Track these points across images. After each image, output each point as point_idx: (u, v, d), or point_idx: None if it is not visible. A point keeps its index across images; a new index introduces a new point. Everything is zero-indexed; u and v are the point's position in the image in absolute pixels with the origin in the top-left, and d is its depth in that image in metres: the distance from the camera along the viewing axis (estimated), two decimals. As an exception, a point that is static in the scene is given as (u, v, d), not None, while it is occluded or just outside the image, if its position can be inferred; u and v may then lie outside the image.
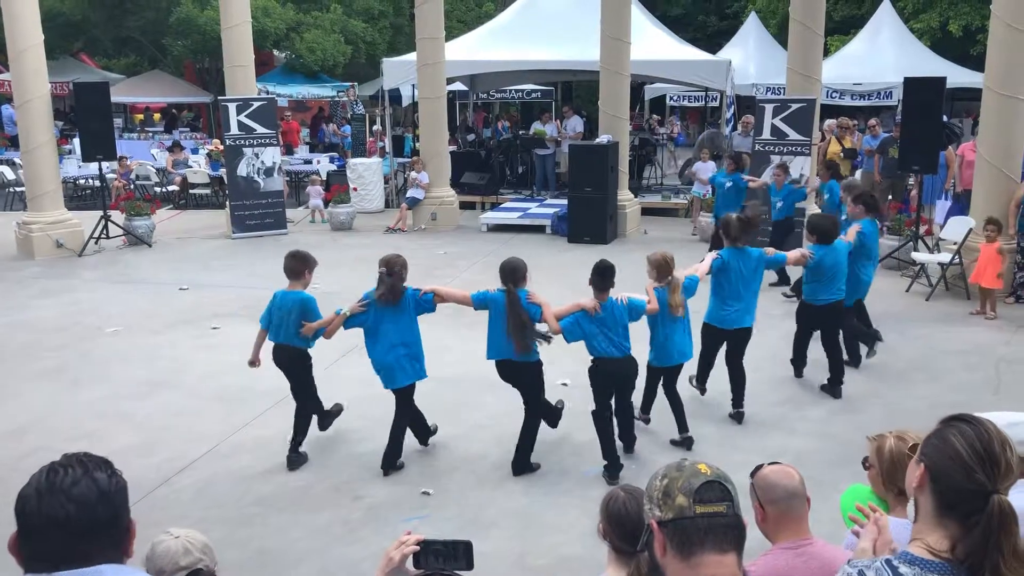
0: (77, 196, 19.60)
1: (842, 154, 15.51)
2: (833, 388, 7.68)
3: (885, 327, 9.48)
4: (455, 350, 8.88)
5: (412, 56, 16.82)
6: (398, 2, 31.15)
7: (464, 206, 16.98)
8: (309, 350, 6.51)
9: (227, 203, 15.55)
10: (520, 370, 6.16)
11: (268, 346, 6.60)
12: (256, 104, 15.37)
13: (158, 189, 19.80)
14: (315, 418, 6.72)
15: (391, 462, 6.29)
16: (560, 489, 6.03)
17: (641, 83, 25.31)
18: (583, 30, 15.99)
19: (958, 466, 1.91)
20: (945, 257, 10.94)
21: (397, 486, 6.08)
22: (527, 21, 18.57)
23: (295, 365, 6.47)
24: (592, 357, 6.18)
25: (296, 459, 6.44)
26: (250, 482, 6.17)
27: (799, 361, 8.03)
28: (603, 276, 6.09)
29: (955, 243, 10.85)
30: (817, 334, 7.90)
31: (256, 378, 8.13)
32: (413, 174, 15.98)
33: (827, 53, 21.42)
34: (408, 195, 15.98)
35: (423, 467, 6.38)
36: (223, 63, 16.08)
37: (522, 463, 6.27)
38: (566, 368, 8.28)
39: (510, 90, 27.61)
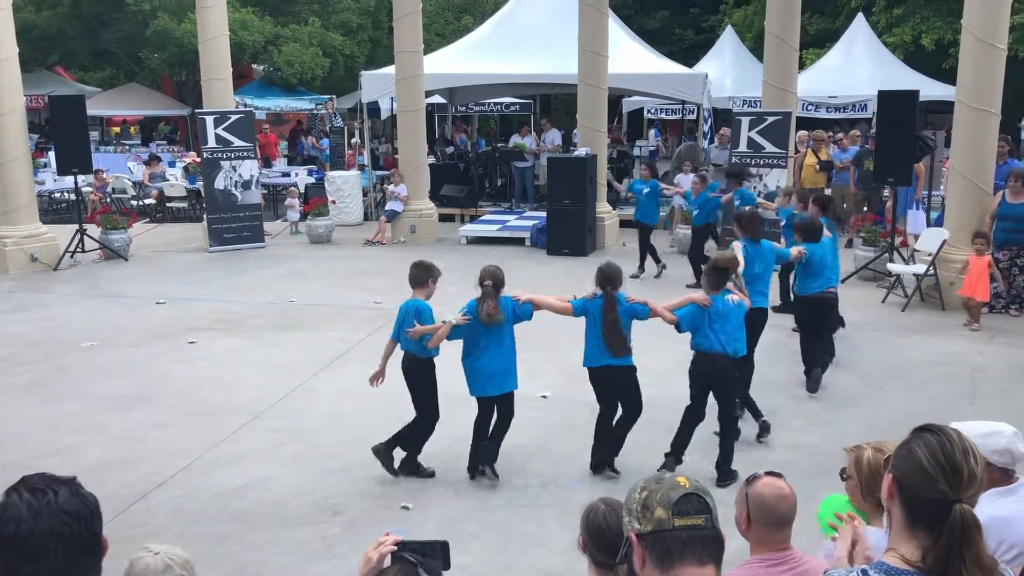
0: (52, 210, 19.43)
1: (818, 166, 15.64)
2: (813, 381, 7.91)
3: (862, 337, 9.57)
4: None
5: (391, 69, 16.83)
6: (376, 15, 31.16)
7: (443, 219, 16.98)
8: (434, 359, 6.42)
9: (204, 216, 15.47)
10: (618, 375, 6.28)
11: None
12: (234, 117, 15.31)
13: (135, 202, 19.66)
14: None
15: (490, 458, 6.33)
16: (540, 502, 6.02)
17: (619, 96, 25.42)
18: (561, 44, 16.05)
19: (921, 476, 1.93)
20: (920, 268, 11.04)
21: (376, 501, 6.04)
22: (505, 35, 18.63)
23: (418, 372, 6.39)
24: (694, 352, 6.37)
25: (413, 466, 6.44)
26: (227, 498, 6.12)
27: (815, 363, 7.95)
28: (717, 274, 6.39)
29: (930, 254, 10.96)
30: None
31: (234, 393, 8.11)
32: (391, 187, 15.96)
33: (802, 66, 21.61)
34: (387, 208, 15.95)
35: (402, 482, 6.35)
36: (200, 76, 16.01)
37: (607, 458, 6.40)
38: (547, 381, 8.31)
39: (489, 103, 27.66)
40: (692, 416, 6.44)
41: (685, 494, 1.87)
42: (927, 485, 1.91)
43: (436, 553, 2.32)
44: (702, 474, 5.78)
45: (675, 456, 6.35)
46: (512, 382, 6.37)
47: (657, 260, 12.81)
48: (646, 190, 12.78)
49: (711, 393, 6.41)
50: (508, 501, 6.04)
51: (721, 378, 6.35)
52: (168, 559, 2.65)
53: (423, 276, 6.36)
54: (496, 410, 6.42)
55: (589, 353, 6.31)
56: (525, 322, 6.39)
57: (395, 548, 2.33)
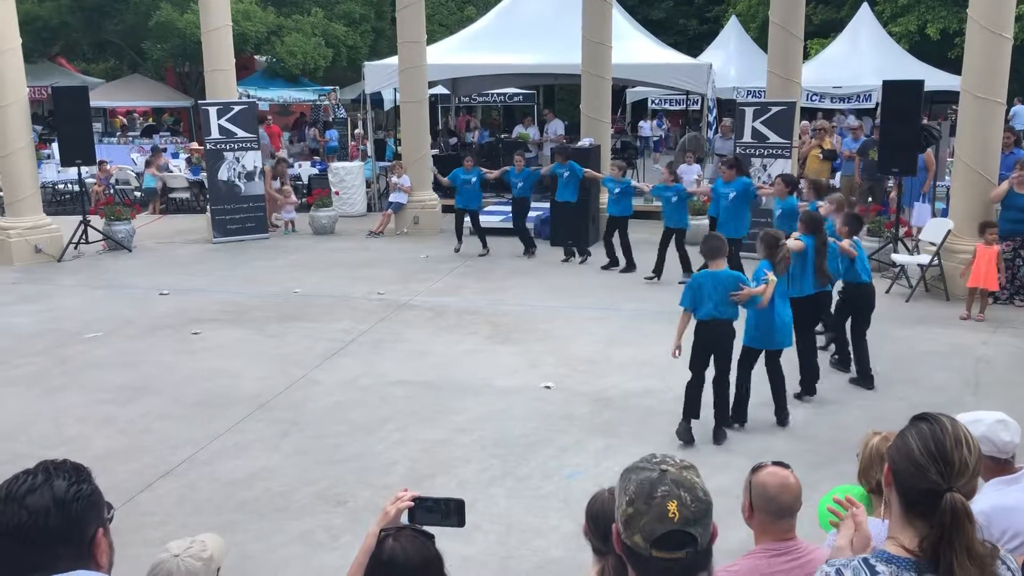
0: (56, 201, 19.46)
1: (821, 156, 15.61)
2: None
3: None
4: (436, 354, 8.88)
5: (394, 60, 16.80)
6: (380, 6, 31.11)
7: (446, 210, 16.92)
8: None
9: (208, 208, 15.47)
10: (828, 299, 7.96)
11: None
12: (237, 108, 15.30)
13: (138, 194, 19.69)
14: None
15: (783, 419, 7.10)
16: (542, 492, 6.03)
17: (623, 86, 25.39)
18: (564, 34, 16.02)
19: (912, 466, 1.93)
20: (925, 259, 11.02)
21: (379, 491, 6.05)
22: (508, 25, 18.58)
23: (729, 336, 6.79)
24: (849, 284, 8.10)
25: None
26: (232, 488, 6.14)
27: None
28: (858, 221, 8.34)
29: (934, 244, 10.94)
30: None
31: (237, 384, 8.12)
32: (394, 179, 15.93)
33: (807, 56, 21.55)
34: (392, 200, 15.92)
35: (405, 471, 6.37)
36: (203, 67, 16.00)
37: (811, 384, 7.67)
38: (548, 371, 8.32)
39: (492, 94, 27.63)
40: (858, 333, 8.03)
41: (669, 532, 1.79)
42: (919, 474, 1.92)
43: (451, 511, 2.44)
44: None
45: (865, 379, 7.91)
46: (781, 341, 7.06)
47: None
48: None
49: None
50: (510, 491, 6.04)
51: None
52: (188, 565, 2.59)
53: (723, 246, 6.94)
54: (766, 364, 7.12)
55: (806, 283, 7.54)
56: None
57: (412, 504, 2.42)
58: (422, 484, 6.14)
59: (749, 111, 13.50)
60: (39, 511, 1.89)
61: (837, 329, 8.43)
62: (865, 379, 7.91)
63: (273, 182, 16.20)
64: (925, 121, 14.73)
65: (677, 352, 6.78)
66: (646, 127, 28.67)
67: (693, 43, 30.39)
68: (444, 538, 2.55)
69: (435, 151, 19.22)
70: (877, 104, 18.78)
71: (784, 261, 6.92)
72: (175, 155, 22.80)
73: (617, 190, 12.46)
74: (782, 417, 7.08)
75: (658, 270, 11.88)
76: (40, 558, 1.89)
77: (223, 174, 15.07)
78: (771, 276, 6.76)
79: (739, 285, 6.65)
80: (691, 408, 6.75)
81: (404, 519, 2.45)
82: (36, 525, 1.88)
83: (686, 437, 6.69)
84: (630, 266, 12.41)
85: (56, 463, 1.99)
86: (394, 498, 2.41)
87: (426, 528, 2.46)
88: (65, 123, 14.05)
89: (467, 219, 13.85)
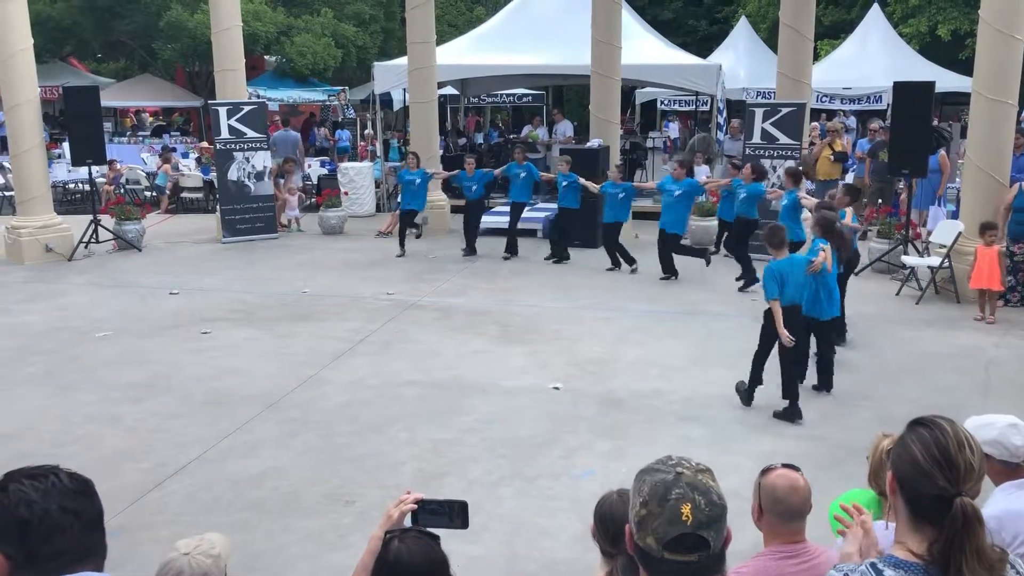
0: (67, 200, 19.52)
1: (832, 157, 15.56)
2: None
3: (875, 330, 9.53)
4: (444, 354, 8.89)
5: (403, 60, 16.83)
6: (389, 6, 31.15)
7: (455, 210, 16.95)
8: None
9: (217, 207, 15.51)
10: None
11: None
12: (246, 108, 15.34)
13: (148, 193, 19.75)
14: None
15: (829, 382, 7.79)
16: (550, 493, 6.02)
17: (632, 87, 25.36)
18: (574, 34, 16.01)
19: (918, 472, 1.91)
20: (935, 261, 10.98)
21: (387, 491, 6.05)
22: (518, 25, 18.59)
23: (802, 320, 7.37)
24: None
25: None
26: (241, 487, 6.15)
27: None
28: (856, 192, 9.37)
29: (944, 246, 10.90)
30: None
31: (247, 383, 8.14)
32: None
33: (817, 57, 21.49)
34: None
35: (413, 471, 6.37)
36: (213, 67, 16.04)
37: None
38: (557, 372, 8.32)
39: (501, 94, 27.63)
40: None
41: (682, 535, 1.78)
42: (925, 481, 1.90)
43: (455, 512, 2.43)
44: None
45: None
46: (827, 311, 7.68)
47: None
48: (564, 183, 13.36)
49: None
50: (518, 492, 6.04)
51: None
52: (199, 562, 2.61)
53: (786, 235, 7.43)
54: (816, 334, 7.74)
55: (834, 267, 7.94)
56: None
57: (415, 506, 2.42)
58: (430, 484, 6.14)
59: (759, 112, 13.48)
60: (87, 495, 1.97)
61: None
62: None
63: (279, 180, 16.23)
64: (936, 123, 14.68)
65: (790, 340, 7.06)
66: (670, 127, 28.60)
67: (702, 44, 30.33)
68: (451, 539, 2.55)
69: (443, 151, 19.24)
70: (888, 105, 18.70)
71: (846, 245, 7.78)
72: (185, 155, 22.88)
73: (565, 183, 13.16)
74: (827, 383, 7.79)
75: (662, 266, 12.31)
76: (93, 540, 1.97)
77: (233, 174, 15.11)
78: (823, 246, 7.51)
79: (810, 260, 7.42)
80: (756, 376, 7.33)
81: (408, 521, 2.44)
82: (90, 508, 1.97)
83: (746, 399, 7.35)
84: (563, 257, 13.38)
85: (44, 468, 2.00)
86: (397, 500, 2.41)
87: (431, 530, 2.46)
88: (76, 123, 14.12)
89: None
